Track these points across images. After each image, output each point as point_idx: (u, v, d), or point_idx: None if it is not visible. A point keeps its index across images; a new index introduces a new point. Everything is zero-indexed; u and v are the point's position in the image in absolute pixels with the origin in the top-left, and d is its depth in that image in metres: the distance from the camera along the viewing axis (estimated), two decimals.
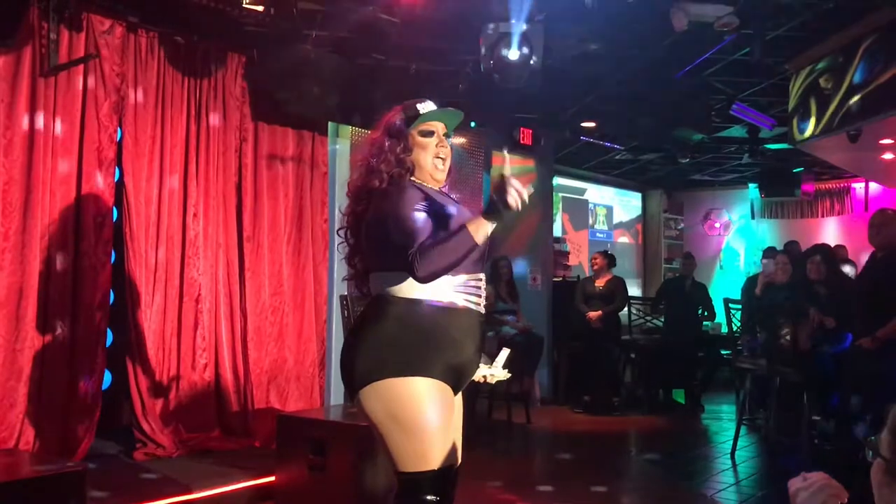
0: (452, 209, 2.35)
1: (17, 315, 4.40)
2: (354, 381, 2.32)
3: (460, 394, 2.51)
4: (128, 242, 4.94)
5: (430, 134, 2.45)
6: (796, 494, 1.23)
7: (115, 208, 4.92)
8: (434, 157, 2.44)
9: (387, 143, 2.41)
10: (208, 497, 4.21)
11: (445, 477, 2.30)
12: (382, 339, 2.30)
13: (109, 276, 4.84)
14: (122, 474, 4.47)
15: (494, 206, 2.17)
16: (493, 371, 2.61)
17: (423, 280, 2.23)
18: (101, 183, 4.78)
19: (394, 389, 2.26)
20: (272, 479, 4.35)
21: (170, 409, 5.09)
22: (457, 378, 2.39)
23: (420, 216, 2.24)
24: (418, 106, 2.46)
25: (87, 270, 4.69)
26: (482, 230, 2.20)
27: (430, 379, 2.28)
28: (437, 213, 2.30)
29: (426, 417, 2.26)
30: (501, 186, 2.15)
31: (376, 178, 2.38)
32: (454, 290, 2.32)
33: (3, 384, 4.31)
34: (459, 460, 2.45)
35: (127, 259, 4.95)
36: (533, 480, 5.24)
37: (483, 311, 2.42)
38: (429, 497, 2.26)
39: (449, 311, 2.32)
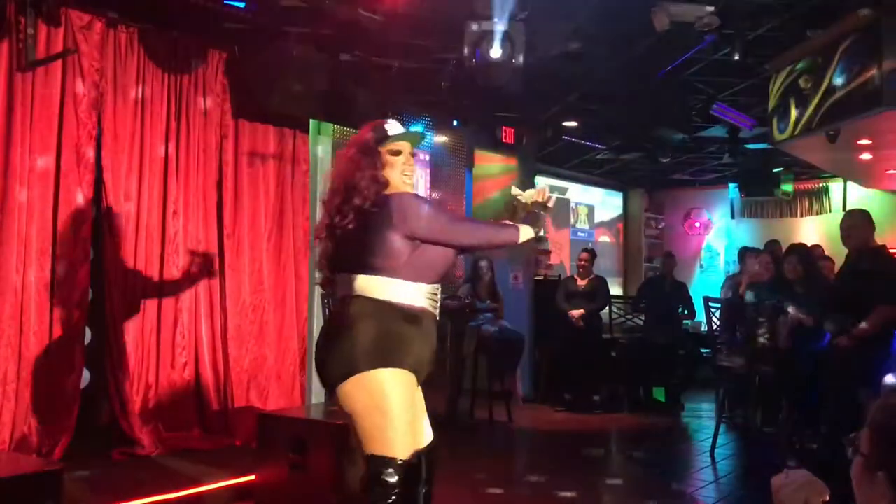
0: None
1: None
2: (334, 375, 2.60)
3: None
4: (107, 240, 4.90)
5: (398, 153, 2.76)
6: (779, 491, 1.24)
7: (94, 205, 4.87)
8: (402, 173, 2.76)
9: (362, 161, 2.69)
10: (188, 496, 4.18)
11: (414, 459, 2.60)
12: (360, 336, 2.56)
13: (88, 273, 4.79)
14: (101, 473, 4.43)
15: (536, 218, 2.82)
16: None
17: (475, 247, 3.08)
18: (79, 179, 4.72)
19: (373, 381, 2.54)
20: (252, 477, 4.33)
21: (149, 407, 5.05)
22: (422, 372, 2.71)
23: (458, 214, 2.68)
24: (386, 126, 2.76)
25: (66, 267, 4.65)
26: (527, 235, 2.83)
27: (402, 370, 2.58)
28: None
29: (400, 405, 2.56)
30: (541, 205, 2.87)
31: (357, 195, 2.64)
32: (422, 296, 2.64)
33: None
34: (430, 438, 2.80)
35: (106, 256, 4.90)
36: (514, 478, 5.25)
37: (438, 315, 2.76)
38: (393, 479, 2.52)
39: (417, 313, 2.63)
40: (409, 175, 2.78)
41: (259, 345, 5.63)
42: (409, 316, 2.60)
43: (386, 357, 2.55)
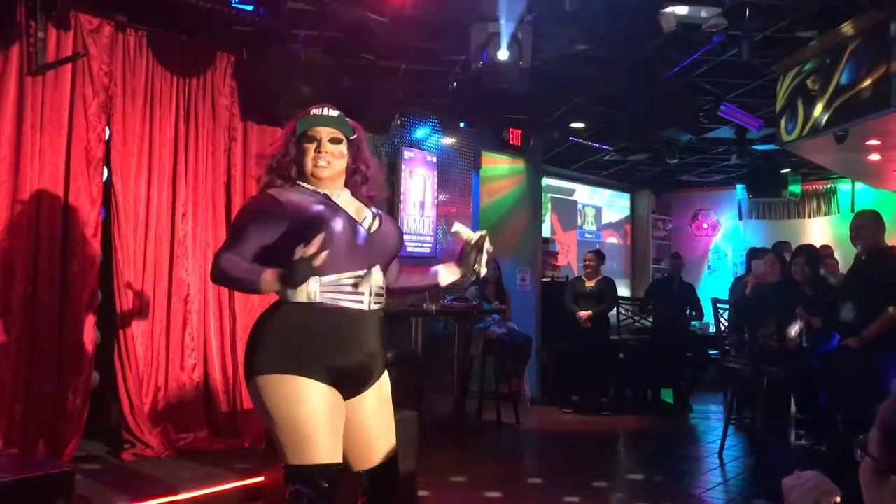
0: (319, 210, 2.42)
1: (3, 315, 4.36)
2: (245, 373, 2.47)
3: (377, 393, 2.58)
4: (116, 242, 4.91)
5: (313, 140, 2.54)
6: (790, 493, 1.24)
7: (103, 208, 4.89)
8: (312, 162, 2.52)
9: (281, 147, 2.58)
10: (197, 498, 4.19)
11: (321, 473, 2.36)
12: (264, 338, 2.42)
13: (97, 275, 4.81)
14: (110, 475, 4.44)
15: (289, 276, 2.28)
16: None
17: (215, 282, 2.51)
18: (89, 182, 4.75)
19: (268, 387, 2.37)
20: (261, 479, 4.34)
21: (158, 409, 5.06)
22: (346, 379, 2.45)
23: (252, 230, 2.40)
24: (311, 112, 2.57)
25: (75, 270, 4.67)
26: (270, 287, 2.35)
27: (302, 378, 2.35)
28: (297, 219, 2.39)
29: (296, 415, 2.34)
30: (300, 262, 2.23)
31: (262, 179, 2.59)
32: (325, 291, 2.38)
33: None
34: (384, 455, 2.56)
35: (115, 259, 4.92)
36: (522, 480, 5.25)
37: (370, 308, 2.45)
38: (298, 487, 2.36)
39: (326, 312, 2.39)
40: (322, 166, 2.52)
41: None
42: (306, 318, 2.38)
43: (276, 363, 2.36)
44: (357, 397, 2.52)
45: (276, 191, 2.51)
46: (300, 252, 2.20)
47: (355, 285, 2.42)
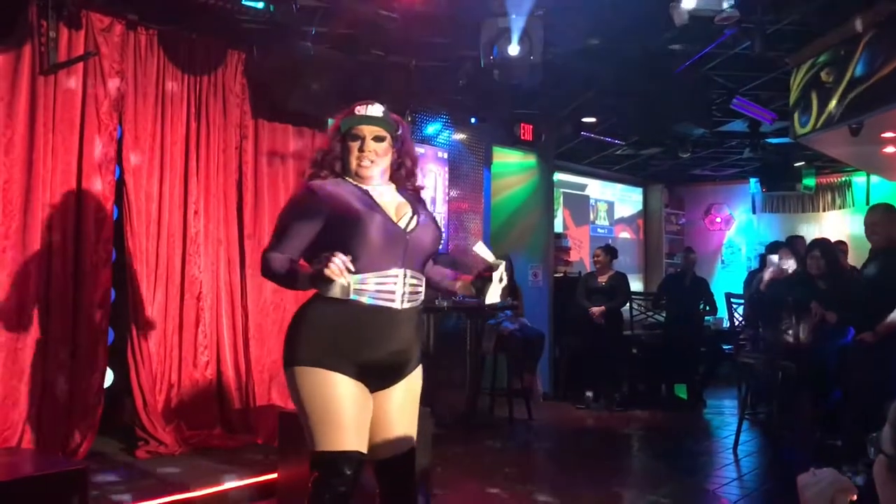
0: (360, 207, 2.48)
1: (18, 314, 4.40)
2: (283, 362, 2.57)
3: (405, 388, 2.64)
4: (128, 240, 4.93)
5: (356, 138, 2.61)
6: (805, 490, 1.22)
7: (115, 206, 4.91)
8: (355, 158, 2.60)
9: (328, 143, 2.67)
10: (211, 494, 4.22)
11: (346, 459, 2.43)
12: (302, 332, 2.52)
13: (110, 274, 4.83)
14: (125, 472, 4.47)
15: (319, 277, 2.34)
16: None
17: (264, 277, 2.59)
18: (101, 181, 4.77)
19: (301, 376, 2.48)
20: (275, 476, 4.34)
21: (171, 406, 5.09)
22: (376, 373, 2.54)
23: (294, 227, 2.50)
24: (356, 110, 2.64)
25: (88, 268, 4.69)
26: (306, 286, 2.47)
27: (335, 373, 2.45)
28: (340, 213, 2.47)
29: (325, 405, 2.44)
30: (326, 262, 2.30)
31: (305, 176, 2.65)
32: (359, 290, 2.45)
33: (5, 383, 4.31)
34: (405, 448, 2.63)
35: (128, 257, 4.94)
36: (534, 475, 5.25)
37: (402, 306, 2.52)
38: (322, 472, 2.43)
39: (361, 310, 2.47)
40: (366, 164, 2.59)
41: (280, 344, 5.59)
42: (338, 316, 2.46)
43: (310, 356, 2.46)
44: (385, 390, 2.60)
45: (319, 184, 2.57)
46: (324, 265, 2.29)
47: (388, 284, 2.49)
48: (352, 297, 2.45)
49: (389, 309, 2.49)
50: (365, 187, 2.60)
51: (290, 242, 2.50)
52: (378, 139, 2.61)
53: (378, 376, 2.55)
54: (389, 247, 2.48)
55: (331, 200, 2.49)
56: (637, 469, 5.80)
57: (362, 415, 2.50)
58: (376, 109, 2.64)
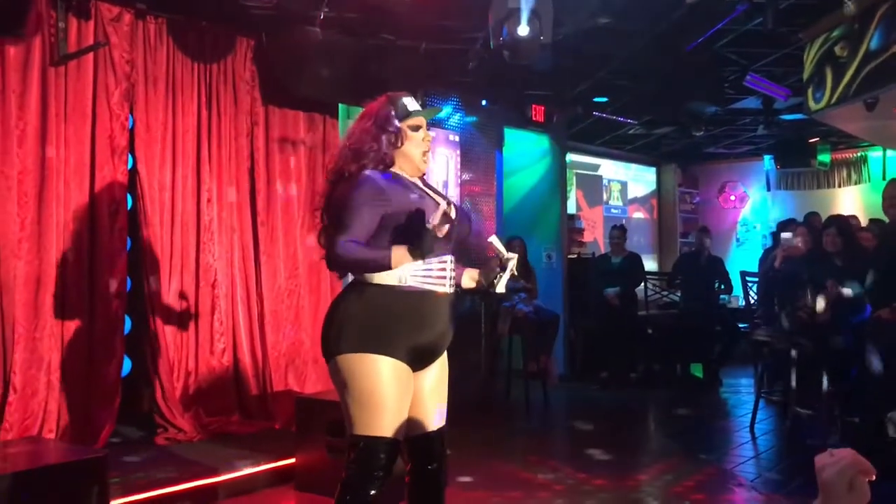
0: (416, 198, 2.56)
1: (35, 304, 4.44)
2: (325, 352, 2.60)
3: (440, 366, 2.75)
4: (143, 229, 4.96)
5: (418, 129, 2.69)
6: (823, 470, 1.20)
7: (129, 195, 4.94)
8: (422, 150, 2.69)
9: (377, 133, 2.62)
10: (229, 480, 4.25)
11: (383, 445, 2.50)
12: (349, 319, 2.55)
13: (125, 263, 4.87)
14: (144, 460, 4.51)
15: (420, 247, 2.42)
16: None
17: (331, 269, 2.65)
18: (114, 171, 4.79)
19: (353, 364, 2.51)
20: (292, 460, 4.39)
21: (189, 393, 5.13)
22: (422, 355, 2.62)
23: (365, 213, 2.47)
24: (404, 100, 2.69)
25: (104, 258, 4.72)
26: (401, 261, 2.46)
27: (386, 358, 2.50)
28: (397, 207, 2.51)
29: (370, 391, 2.49)
30: (429, 234, 2.39)
31: (354, 163, 2.59)
32: (413, 276, 2.53)
33: (24, 373, 4.36)
34: (437, 425, 2.72)
35: (142, 246, 4.97)
36: (552, 457, 5.26)
37: (450, 290, 2.64)
38: (358, 455, 2.50)
39: (410, 294, 2.54)
40: (426, 151, 2.72)
41: (295, 329, 5.68)
42: (394, 301, 2.53)
43: (360, 343, 2.50)
44: (423, 370, 2.68)
45: (372, 174, 2.58)
46: (430, 224, 2.37)
47: (441, 270, 2.60)
48: (407, 283, 2.53)
49: (438, 293, 2.59)
50: (412, 178, 2.69)
51: (363, 230, 2.50)
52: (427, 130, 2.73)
53: (423, 358, 2.64)
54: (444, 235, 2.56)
55: (393, 192, 2.54)
56: (654, 449, 5.80)
57: (404, 399, 2.56)
58: (417, 102, 2.74)
